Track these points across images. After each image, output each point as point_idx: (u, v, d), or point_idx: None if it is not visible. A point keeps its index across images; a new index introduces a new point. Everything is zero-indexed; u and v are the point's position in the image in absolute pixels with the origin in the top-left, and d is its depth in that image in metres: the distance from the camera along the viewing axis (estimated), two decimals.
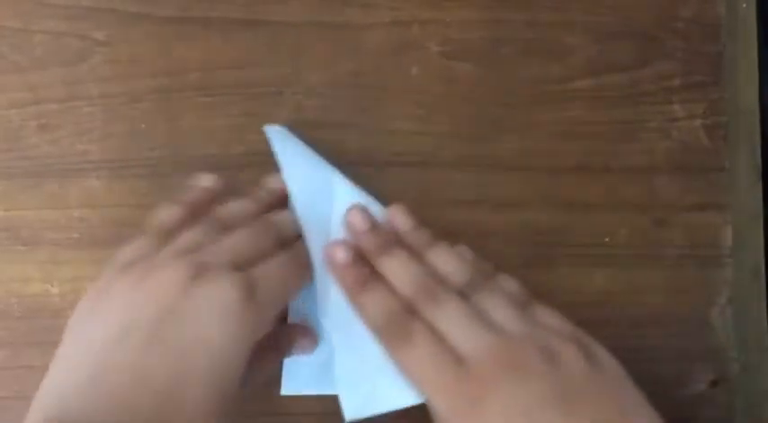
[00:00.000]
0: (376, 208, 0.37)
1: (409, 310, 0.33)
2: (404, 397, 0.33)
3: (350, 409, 0.34)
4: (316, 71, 0.40)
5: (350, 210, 0.36)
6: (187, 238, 0.32)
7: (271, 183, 0.37)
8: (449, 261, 0.34)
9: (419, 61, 0.40)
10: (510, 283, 0.35)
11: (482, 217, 0.40)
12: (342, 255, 0.35)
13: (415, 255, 0.35)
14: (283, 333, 0.36)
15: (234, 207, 0.35)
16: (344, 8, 0.40)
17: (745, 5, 0.42)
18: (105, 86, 0.39)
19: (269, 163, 0.39)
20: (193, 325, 0.29)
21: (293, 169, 0.37)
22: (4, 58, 0.39)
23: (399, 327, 0.32)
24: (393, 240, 0.35)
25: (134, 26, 0.40)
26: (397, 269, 0.34)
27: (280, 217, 0.35)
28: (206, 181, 0.36)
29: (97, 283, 0.31)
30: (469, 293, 0.33)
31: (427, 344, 0.31)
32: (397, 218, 0.36)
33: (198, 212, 0.34)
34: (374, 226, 0.36)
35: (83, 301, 0.31)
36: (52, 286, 0.39)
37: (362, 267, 0.35)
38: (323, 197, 0.37)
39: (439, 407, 0.30)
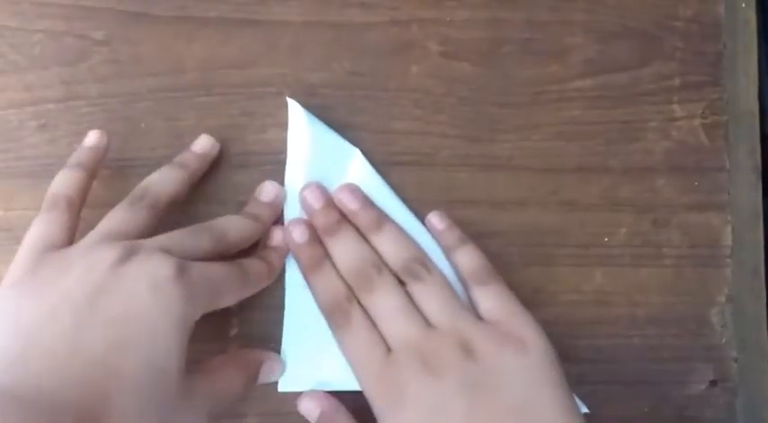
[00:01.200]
0: (384, 191, 0.38)
1: (351, 294, 0.35)
2: (343, 381, 0.35)
3: (287, 381, 0.36)
4: (315, 71, 0.40)
5: (306, 187, 0.37)
6: (112, 219, 0.33)
7: (263, 195, 0.37)
8: (392, 243, 0.36)
9: (419, 61, 0.40)
10: (470, 258, 0.36)
11: (482, 217, 0.40)
12: (297, 233, 0.36)
13: (363, 236, 0.36)
14: (252, 358, 0.36)
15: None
16: (344, 8, 0.40)
17: (744, 5, 0.42)
18: (104, 86, 0.39)
19: (268, 163, 0.39)
20: (125, 299, 0.29)
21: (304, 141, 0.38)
22: (2, 58, 0.39)
23: (341, 311, 0.34)
24: (342, 220, 0.36)
25: (133, 26, 0.40)
26: (340, 251, 0.36)
27: (225, 221, 0.35)
28: (91, 139, 0.36)
29: (17, 268, 0.31)
30: (408, 281, 0.35)
31: (362, 331, 0.33)
32: (345, 197, 0.36)
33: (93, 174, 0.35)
34: (328, 204, 0.36)
35: (4, 283, 0.31)
36: None
37: (316, 248, 0.36)
38: (328, 170, 0.38)
39: (367, 392, 0.33)
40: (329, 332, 0.35)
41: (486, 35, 0.41)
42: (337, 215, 0.36)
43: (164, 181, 0.35)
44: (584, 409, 0.37)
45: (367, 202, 0.37)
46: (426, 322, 0.33)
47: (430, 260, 0.36)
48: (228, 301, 0.34)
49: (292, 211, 0.38)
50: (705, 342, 0.40)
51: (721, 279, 0.40)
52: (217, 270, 0.33)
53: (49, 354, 0.28)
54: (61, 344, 0.28)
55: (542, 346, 0.32)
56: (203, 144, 0.38)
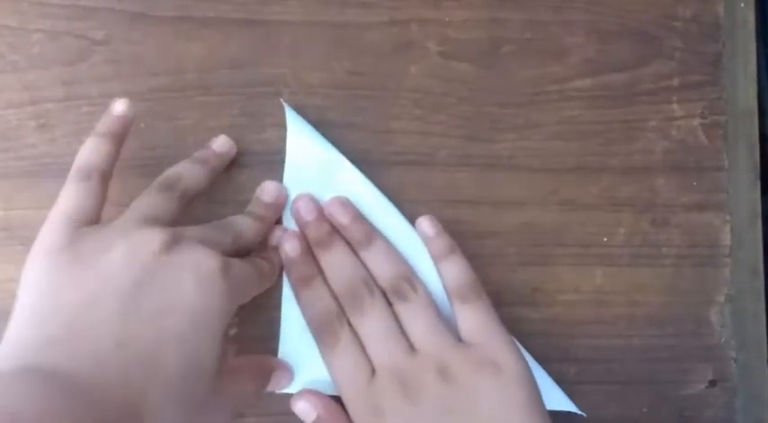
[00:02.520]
0: (380, 201, 0.38)
1: (340, 312, 0.35)
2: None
3: (297, 382, 0.36)
4: (315, 71, 0.40)
5: (298, 198, 0.37)
6: (146, 203, 0.33)
7: (264, 196, 0.37)
8: (381, 259, 0.36)
9: (418, 61, 0.40)
10: (455, 270, 0.36)
11: (481, 217, 0.40)
12: (290, 247, 0.36)
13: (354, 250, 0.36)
14: (266, 364, 0.36)
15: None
16: (343, 8, 0.40)
17: (743, 5, 0.42)
18: (104, 86, 0.39)
19: (268, 162, 0.39)
20: (171, 290, 0.29)
21: (300, 149, 0.38)
22: (1, 58, 0.39)
23: (331, 330, 0.34)
24: (333, 233, 0.36)
25: (133, 26, 0.40)
26: (332, 267, 0.36)
27: (239, 220, 0.36)
28: (119, 107, 0.35)
29: (50, 237, 0.30)
30: (393, 301, 0.35)
31: (350, 353, 0.34)
32: (336, 211, 0.37)
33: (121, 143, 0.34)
34: (320, 217, 0.37)
35: (39, 253, 0.30)
36: None
37: (308, 263, 0.36)
38: (321, 179, 0.38)
39: (349, 410, 0.33)
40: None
41: (486, 35, 0.41)
42: (329, 227, 0.37)
43: (192, 174, 0.35)
44: (579, 412, 0.37)
45: (357, 215, 0.37)
46: (410, 345, 0.34)
47: (417, 277, 0.36)
48: (247, 299, 0.34)
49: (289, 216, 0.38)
50: (704, 342, 0.40)
51: (720, 279, 0.40)
52: (248, 268, 0.33)
53: (93, 340, 0.27)
54: (106, 331, 0.27)
55: (515, 370, 0.33)
56: (223, 143, 0.38)
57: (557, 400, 0.37)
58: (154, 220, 0.32)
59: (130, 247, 0.29)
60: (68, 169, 0.38)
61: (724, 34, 0.42)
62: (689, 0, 0.42)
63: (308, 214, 0.37)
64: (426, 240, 0.37)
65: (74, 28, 0.39)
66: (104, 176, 0.33)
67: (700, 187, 0.41)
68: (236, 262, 0.32)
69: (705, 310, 0.40)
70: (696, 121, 0.41)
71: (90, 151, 0.33)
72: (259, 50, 0.40)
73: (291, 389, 0.36)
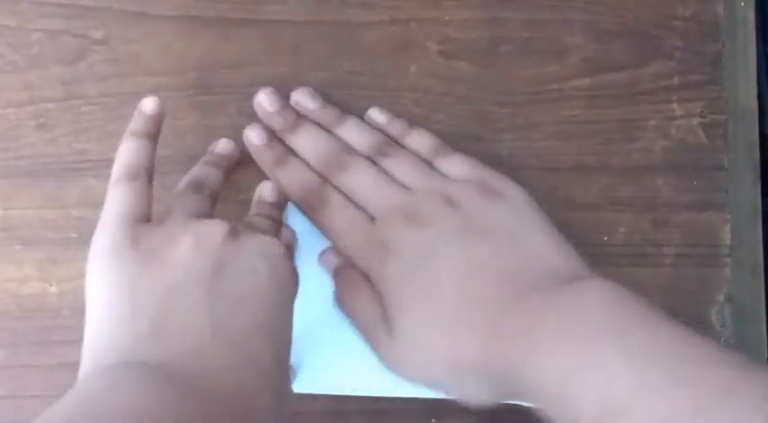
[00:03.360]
0: None
1: (324, 180, 0.35)
2: (363, 385, 0.35)
3: (303, 381, 0.36)
4: (314, 70, 0.40)
5: (260, 91, 0.37)
6: (183, 201, 0.32)
7: (266, 196, 0.37)
8: (356, 132, 0.36)
9: (418, 60, 0.40)
10: (422, 138, 0.37)
11: None
12: (254, 135, 0.37)
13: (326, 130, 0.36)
14: None
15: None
16: (343, 7, 0.40)
17: (743, 4, 0.42)
18: (103, 85, 0.39)
19: None
20: (248, 275, 0.28)
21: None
22: (1, 58, 0.39)
23: (315, 195, 0.34)
24: (301, 117, 0.37)
25: (132, 25, 0.40)
26: (306, 144, 0.36)
27: (257, 219, 0.35)
28: (149, 106, 0.34)
29: (108, 237, 0.29)
30: (378, 160, 0.35)
31: (341, 206, 0.34)
32: (303, 98, 0.37)
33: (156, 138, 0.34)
34: (284, 107, 0.37)
35: (103, 255, 0.29)
36: (50, 286, 0.39)
37: (276, 146, 0.36)
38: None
39: (356, 259, 0.33)
40: (341, 335, 0.35)
41: (486, 34, 0.41)
42: (295, 114, 0.37)
43: (210, 176, 0.35)
44: None
45: (325, 103, 0.37)
46: (406, 188, 0.34)
47: (401, 129, 0.36)
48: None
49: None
50: None
51: (720, 278, 0.40)
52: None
53: (189, 332, 0.26)
54: (198, 321, 0.27)
55: (522, 194, 0.33)
56: (225, 145, 0.37)
57: None
58: (199, 215, 0.31)
59: (197, 239, 0.29)
60: (68, 169, 0.39)
61: (724, 33, 0.42)
62: None
63: (272, 105, 0.36)
64: (383, 128, 0.37)
65: (73, 27, 0.39)
66: (150, 175, 0.32)
67: (699, 186, 0.41)
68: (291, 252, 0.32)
69: (705, 309, 0.40)
70: (696, 121, 0.41)
71: (131, 152, 0.32)
72: (259, 50, 0.40)
73: (311, 388, 0.36)
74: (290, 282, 0.30)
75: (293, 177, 0.35)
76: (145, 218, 0.31)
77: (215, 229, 0.29)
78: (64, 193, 0.39)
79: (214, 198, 0.34)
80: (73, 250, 0.39)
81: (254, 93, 0.39)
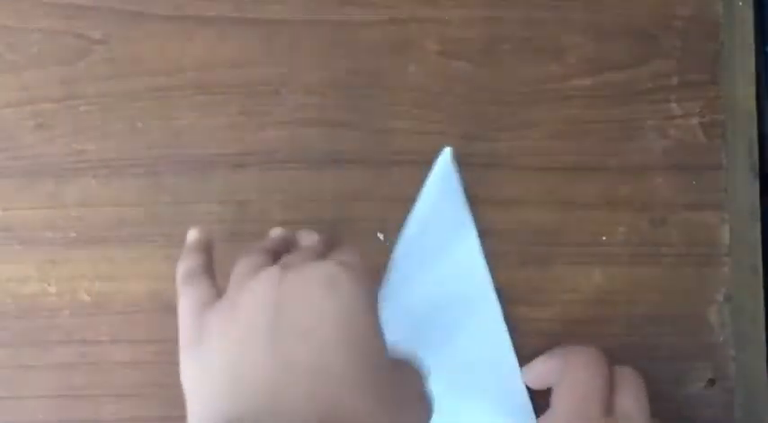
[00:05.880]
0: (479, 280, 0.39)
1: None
2: None
3: None
4: (313, 70, 0.40)
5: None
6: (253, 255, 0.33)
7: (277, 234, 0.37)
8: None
9: (417, 60, 0.40)
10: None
11: (480, 216, 0.39)
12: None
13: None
14: None
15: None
16: (342, 6, 0.40)
17: (741, 4, 0.42)
18: (102, 85, 0.39)
19: (267, 162, 0.39)
20: (306, 306, 0.28)
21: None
22: (0, 57, 0.39)
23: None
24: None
25: (131, 25, 0.40)
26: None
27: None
28: (194, 237, 0.35)
29: (186, 332, 0.31)
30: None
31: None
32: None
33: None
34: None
35: (183, 349, 0.31)
36: (49, 285, 0.39)
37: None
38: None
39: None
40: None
41: (485, 34, 0.41)
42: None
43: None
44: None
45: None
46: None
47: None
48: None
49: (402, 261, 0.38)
50: (703, 341, 0.40)
51: (719, 278, 0.40)
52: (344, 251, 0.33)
53: (259, 378, 0.27)
54: (265, 365, 0.27)
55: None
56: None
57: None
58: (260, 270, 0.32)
59: (250, 293, 0.29)
60: (67, 169, 0.39)
61: (723, 33, 0.42)
62: None
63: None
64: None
65: (72, 27, 0.39)
66: (209, 269, 0.33)
67: (698, 186, 0.41)
68: (348, 263, 0.31)
69: (704, 309, 0.40)
70: (695, 120, 0.41)
71: (188, 262, 0.33)
72: (257, 49, 0.40)
73: None
74: (357, 287, 0.29)
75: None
76: (212, 299, 0.32)
77: (262, 278, 0.30)
78: (63, 194, 0.39)
79: (269, 251, 0.34)
80: (72, 250, 0.39)
81: (254, 92, 0.39)
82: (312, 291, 0.29)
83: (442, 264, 0.39)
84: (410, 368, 0.31)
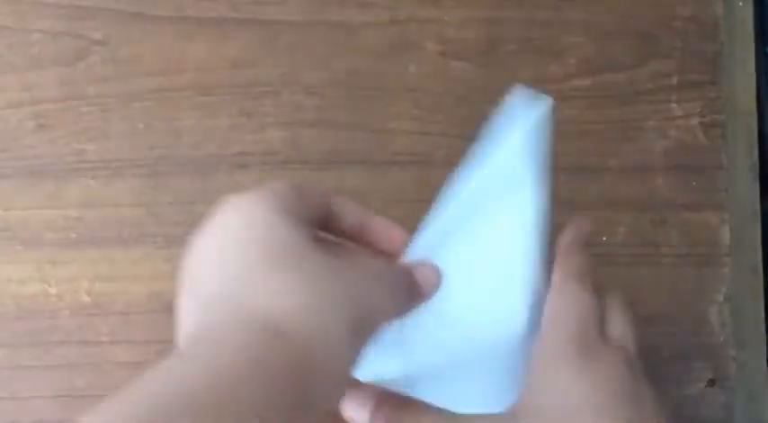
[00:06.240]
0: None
1: None
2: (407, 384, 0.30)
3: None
4: (313, 70, 0.40)
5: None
6: None
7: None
8: None
9: (417, 60, 0.40)
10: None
11: None
12: None
13: None
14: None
15: None
16: (342, 7, 0.40)
17: (741, 4, 0.42)
18: (102, 86, 0.39)
19: (267, 162, 0.39)
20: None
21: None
22: (0, 58, 0.39)
23: None
24: None
25: (131, 26, 0.40)
26: None
27: None
28: None
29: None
30: None
31: None
32: None
33: None
34: None
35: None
36: (50, 286, 0.39)
37: None
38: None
39: None
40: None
41: (485, 34, 0.41)
42: None
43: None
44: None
45: None
46: None
47: None
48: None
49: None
50: (703, 341, 0.40)
51: (719, 278, 0.40)
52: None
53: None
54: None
55: None
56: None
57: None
58: None
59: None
60: (67, 169, 0.39)
61: (723, 33, 0.42)
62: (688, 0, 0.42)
63: None
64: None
65: (72, 28, 0.39)
66: None
67: (699, 186, 0.41)
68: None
69: (704, 309, 0.40)
70: (695, 121, 0.41)
71: None
72: (258, 50, 0.40)
73: (374, 378, 0.30)
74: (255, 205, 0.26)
75: None
76: None
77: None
78: (63, 194, 0.39)
79: None
80: (72, 251, 0.39)
81: (254, 93, 0.39)
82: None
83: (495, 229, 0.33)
84: (364, 256, 0.29)
